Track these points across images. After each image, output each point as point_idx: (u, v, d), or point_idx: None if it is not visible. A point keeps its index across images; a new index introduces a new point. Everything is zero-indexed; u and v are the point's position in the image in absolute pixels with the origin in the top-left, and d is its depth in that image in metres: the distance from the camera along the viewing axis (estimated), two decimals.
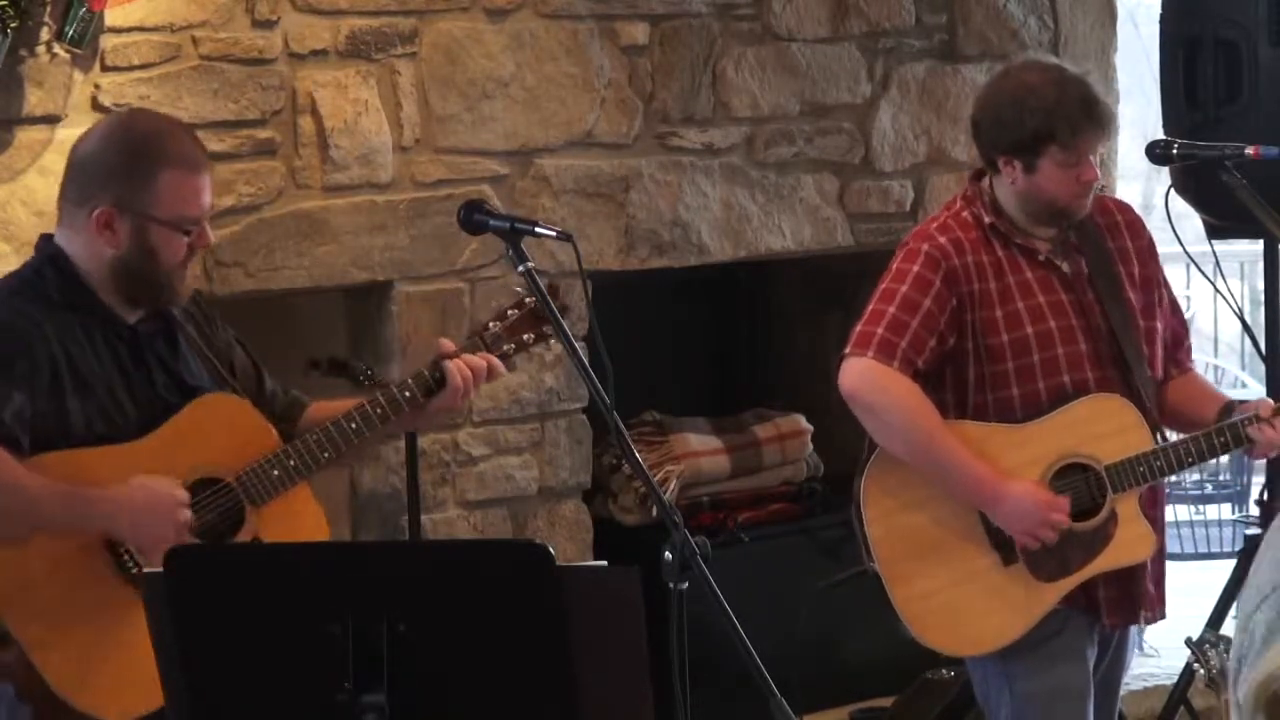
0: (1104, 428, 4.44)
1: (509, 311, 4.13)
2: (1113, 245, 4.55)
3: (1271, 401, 4.54)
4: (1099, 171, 4.46)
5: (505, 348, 4.13)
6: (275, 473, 3.89)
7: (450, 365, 4.03)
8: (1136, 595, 4.53)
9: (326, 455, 3.94)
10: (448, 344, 4.11)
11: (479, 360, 4.07)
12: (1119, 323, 4.47)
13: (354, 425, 3.95)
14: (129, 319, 3.89)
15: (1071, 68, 4.52)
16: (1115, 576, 4.48)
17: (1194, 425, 4.56)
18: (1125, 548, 4.45)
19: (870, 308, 4.44)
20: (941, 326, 4.40)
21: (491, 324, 4.14)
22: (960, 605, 4.44)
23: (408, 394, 4.00)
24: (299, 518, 3.94)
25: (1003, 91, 4.48)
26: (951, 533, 4.43)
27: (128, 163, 3.83)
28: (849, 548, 4.53)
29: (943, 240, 4.44)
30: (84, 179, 3.87)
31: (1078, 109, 4.37)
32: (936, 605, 4.44)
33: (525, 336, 4.15)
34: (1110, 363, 4.47)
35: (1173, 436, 4.58)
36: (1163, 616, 4.66)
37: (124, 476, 3.78)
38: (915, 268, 4.43)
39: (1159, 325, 4.57)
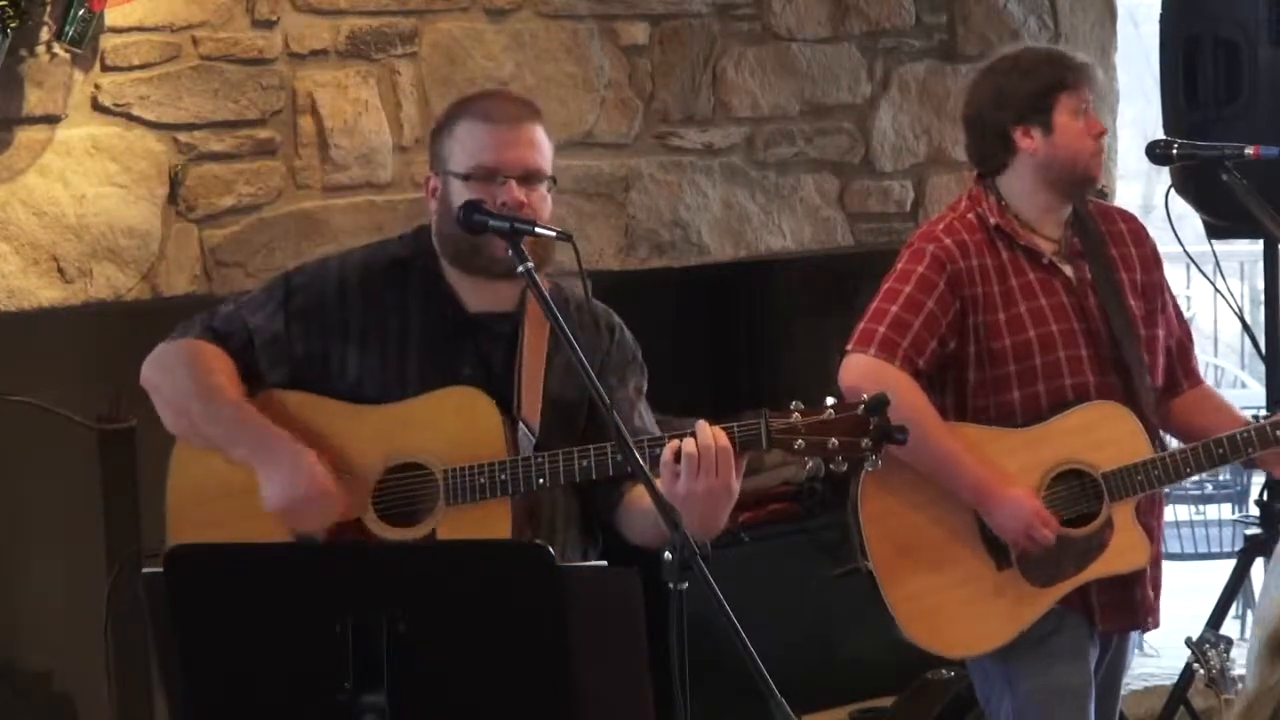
0: (1103, 435, 4.44)
1: (828, 410, 3.59)
2: (1115, 252, 4.56)
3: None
4: (1102, 125, 4.53)
5: (795, 444, 3.60)
6: (481, 480, 3.71)
7: (691, 439, 3.58)
8: (1134, 601, 4.53)
9: (541, 481, 3.69)
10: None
11: (707, 439, 3.57)
12: (1120, 329, 4.48)
13: (585, 463, 3.68)
14: (472, 307, 3.80)
15: None
16: (1111, 583, 4.49)
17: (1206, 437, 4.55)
18: (1119, 555, 4.46)
19: (873, 306, 4.45)
20: (943, 329, 4.41)
21: (796, 415, 3.60)
22: (953, 607, 4.45)
23: (657, 451, 3.62)
24: (484, 531, 3.70)
25: (997, 70, 4.55)
26: (947, 534, 4.43)
27: (441, 123, 3.82)
28: (848, 548, 4.54)
29: (948, 242, 4.45)
30: (429, 155, 3.89)
31: (1069, 56, 4.55)
32: (929, 606, 4.45)
33: (830, 442, 3.58)
34: (1111, 368, 4.48)
35: (1173, 444, 4.59)
36: (1157, 625, 4.66)
37: (341, 435, 3.75)
38: (920, 269, 4.44)
39: (1160, 333, 4.57)
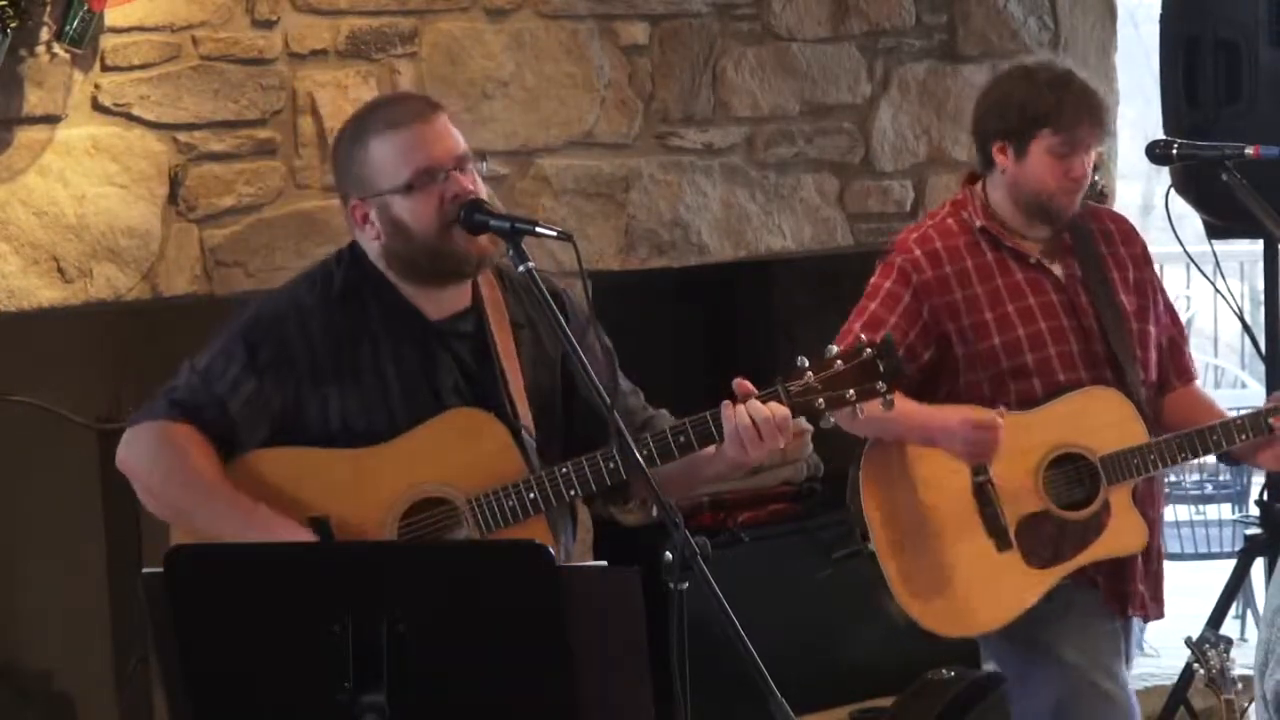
0: (1100, 420, 4.49)
1: (837, 361, 3.65)
2: (1106, 251, 4.60)
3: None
4: (1089, 171, 4.48)
5: (816, 402, 3.64)
6: (511, 503, 3.66)
7: (728, 412, 3.61)
8: (1125, 593, 4.58)
9: (573, 493, 3.67)
10: (744, 385, 3.65)
11: (765, 410, 3.61)
12: (1111, 324, 4.51)
13: (611, 465, 3.63)
14: (433, 315, 3.74)
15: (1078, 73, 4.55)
16: (1105, 572, 4.52)
17: None
18: (1118, 538, 4.50)
19: (846, 324, 4.50)
20: (911, 340, 4.45)
21: (809, 374, 3.65)
22: (955, 586, 4.49)
23: (682, 439, 3.65)
24: None
25: (1007, 78, 4.59)
26: (948, 517, 4.49)
27: (346, 151, 3.72)
28: (852, 538, 4.58)
29: (918, 254, 4.51)
30: (337, 183, 3.79)
31: (1079, 98, 4.44)
32: (931, 585, 4.49)
33: (847, 393, 3.63)
34: (1104, 363, 4.52)
35: None
36: (1160, 616, 4.69)
37: (348, 483, 3.66)
38: (887, 283, 4.52)
39: (1152, 330, 4.60)
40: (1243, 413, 4.53)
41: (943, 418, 4.42)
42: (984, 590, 4.48)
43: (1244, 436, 4.48)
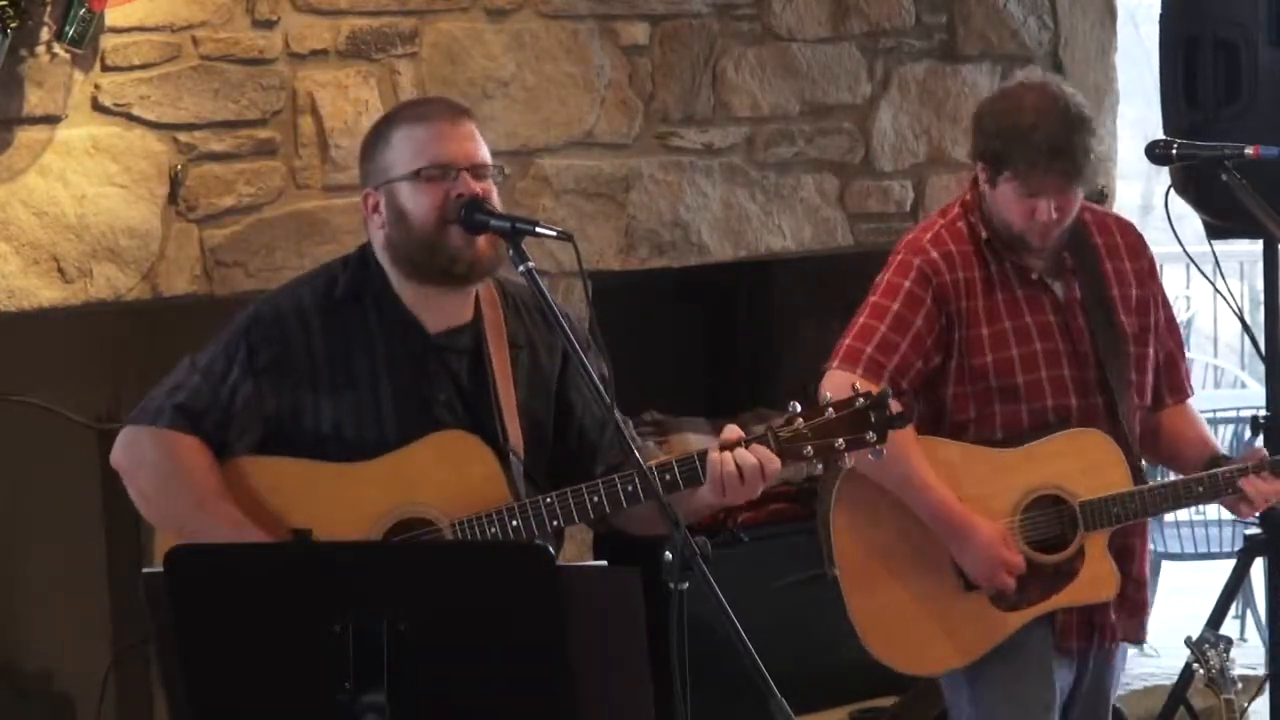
0: (1083, 463, 4.42)
1: (828, 409, 3.64)
2: (1109, 268, 4.52)
3: (1263, 450, 4.53)
4: (1059, 216, 4.35)
5: (804, 449, 3.63)
6: (494, 529, 3.65)
7: (714, 458, 3.61)
8: (1093, 623, 4.53)
9: (555, 523, 3.66)
10: (732, 431, 3.66)
11: (751, 458, 3.60)
12: (1107, 349, 4.44)
13: (596, 499, 3.64)
14: (432, 328, 3.74)
15: (1078, 108, 4.35)
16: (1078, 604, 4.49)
17: (1175, 462, 4.59)
18: (1088, 586, 4.45)
19: (861, 321, 4.41)
20: (929, 347, 4.38)
21: (800, 420, 3.64)
22: (915, 623, 4.43)
23: (668, 477, 3.63)
24: None
25: (1000, 98, 4.47)
26: (917, 551, 4.41)
27: (371, 141, 3.76)
28: (802, 572, 4.56)
29: (935, 255, 4.42)
30: (360, 177, 3.81)
31: (1044, 150, 4.28)
32: (891, 620, 4.43)
33: (836, 442, 3.63)
34: (1095, 390, 4.45)
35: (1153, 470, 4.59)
36: (1137, 640, 4.66)
37: (333, 499, 3.67)
38: (907, 283, 4.41)
39: (1151, 351, 4.54)
40: (1232, 465, 4.47)
41: (972, 527, 4.36)
42: (944, 629, 4.43)
43: (1230, 490, 4.43)
